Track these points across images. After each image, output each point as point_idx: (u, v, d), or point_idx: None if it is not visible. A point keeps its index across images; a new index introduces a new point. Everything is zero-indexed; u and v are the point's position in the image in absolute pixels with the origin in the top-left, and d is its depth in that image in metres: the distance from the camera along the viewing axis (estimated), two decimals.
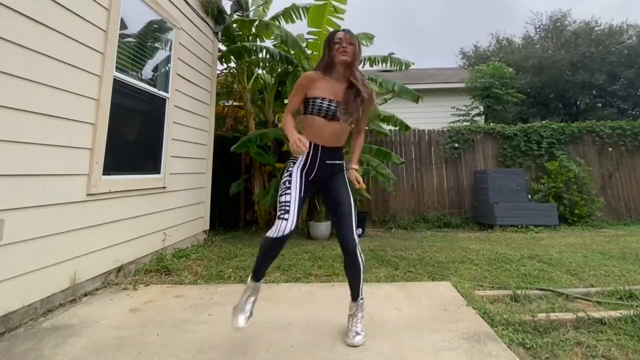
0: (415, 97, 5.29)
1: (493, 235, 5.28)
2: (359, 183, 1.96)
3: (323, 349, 1.73)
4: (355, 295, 1.89)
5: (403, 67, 5.52)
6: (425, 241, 4.81)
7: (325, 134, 1.84)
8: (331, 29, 5.14)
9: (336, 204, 1.88)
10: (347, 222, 1.83)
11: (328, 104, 1.82)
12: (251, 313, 1.77)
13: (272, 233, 1.69)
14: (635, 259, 3.57)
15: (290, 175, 1.83)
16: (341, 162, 1.96)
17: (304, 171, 1.85)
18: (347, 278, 1.89)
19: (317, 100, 1.84)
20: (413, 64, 5.64)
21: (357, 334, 1.80)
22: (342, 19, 4.98)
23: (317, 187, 1.97)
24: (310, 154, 1.84)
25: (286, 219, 1.67)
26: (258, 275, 1.83)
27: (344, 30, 1.94)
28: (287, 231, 1.66)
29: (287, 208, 1.70)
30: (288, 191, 1.76)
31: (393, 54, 5.59)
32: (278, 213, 1.71)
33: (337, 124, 1.84)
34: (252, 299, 1.81)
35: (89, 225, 2.57)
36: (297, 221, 1.70)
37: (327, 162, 1.88)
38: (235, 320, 1.71)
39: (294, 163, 1.88)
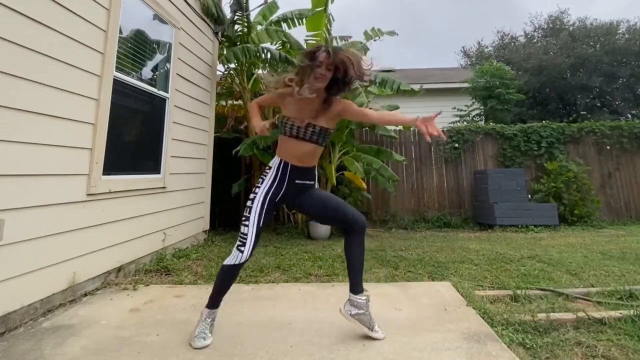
0: (415, 92, 5.44)
1: (493, 235, 5.28)
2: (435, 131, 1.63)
3: (323, 349, 1.74)
4: (359, 284, 1.86)
5: (384, 35, 5.71)
6: (425, 241, 4.81)
7: (296, 153, 1.83)
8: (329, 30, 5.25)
9: (324, 203, 1.92)
10: (347, 207, 1.91)
11: (291, 125, 1.82)
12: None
13: (229, 261, 1.78)
14: (635, 259, 3.57)
15: (252, 201, 1.80)
16: (312, 182, 1.93)
17: (270, 193, 1.82)
18: (352, 263, 1.87)
19: (288, 122, 1.83)
20: (396, 34, 5.78)
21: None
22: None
23: (289, 205, 1.97)
24: (280, 173, 1.84)
25: (242, 252, 1.75)
26: (217, 303, 1.84)
27: (325, 49, 1.73)
28: (242, 260, 1.76)
29: (244, 241, 1.76)
30: (247, 222, 1.78)
31: (374, 28, 5.75)
32: (237, 244, 1.78)
33: (307, 144, 1.81)
34: (212, 322, 1.83)
35: (89, 225, 2.57)
36: (252, 252, 1.76)
37: (297, 181, 1.86)
38: (200, 343, 1.74)
39: (262, 181, 1.85)
